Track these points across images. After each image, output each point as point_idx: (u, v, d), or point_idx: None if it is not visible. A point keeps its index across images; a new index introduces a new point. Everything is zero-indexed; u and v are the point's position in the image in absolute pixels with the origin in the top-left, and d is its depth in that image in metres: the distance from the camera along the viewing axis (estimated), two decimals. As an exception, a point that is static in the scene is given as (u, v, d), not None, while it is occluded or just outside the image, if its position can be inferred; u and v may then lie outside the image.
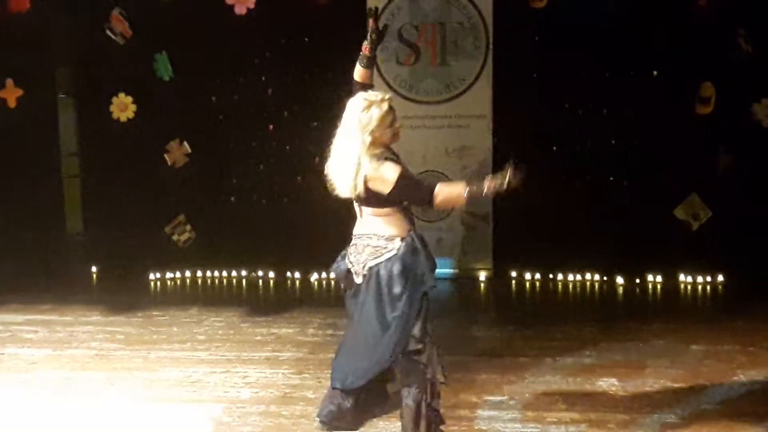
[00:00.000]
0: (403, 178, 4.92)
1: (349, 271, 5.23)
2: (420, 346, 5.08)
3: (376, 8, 5.62)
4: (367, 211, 5.14)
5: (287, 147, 9.76)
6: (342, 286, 5.38)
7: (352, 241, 5.23)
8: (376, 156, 4.97)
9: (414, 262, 5.08)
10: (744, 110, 9.02)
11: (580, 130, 9.31)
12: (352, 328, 5.30)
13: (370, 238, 5.12)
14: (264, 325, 7.94)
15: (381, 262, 5.07)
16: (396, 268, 5.05)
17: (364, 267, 5.12)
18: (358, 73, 5.34)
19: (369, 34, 5.35)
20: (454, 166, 9.34)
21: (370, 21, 5.42)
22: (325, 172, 5.17)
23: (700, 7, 8.93)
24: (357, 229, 5.22)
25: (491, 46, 9.27)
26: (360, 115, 5.00)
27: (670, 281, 9.26)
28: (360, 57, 5.32)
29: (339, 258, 5.36)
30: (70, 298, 8.92)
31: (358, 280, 5.16)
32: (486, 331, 7.69)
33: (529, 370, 6.59)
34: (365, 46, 5.33)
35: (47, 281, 9.45)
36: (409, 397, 5.11)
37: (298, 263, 9.68)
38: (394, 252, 5.07)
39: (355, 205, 5.20)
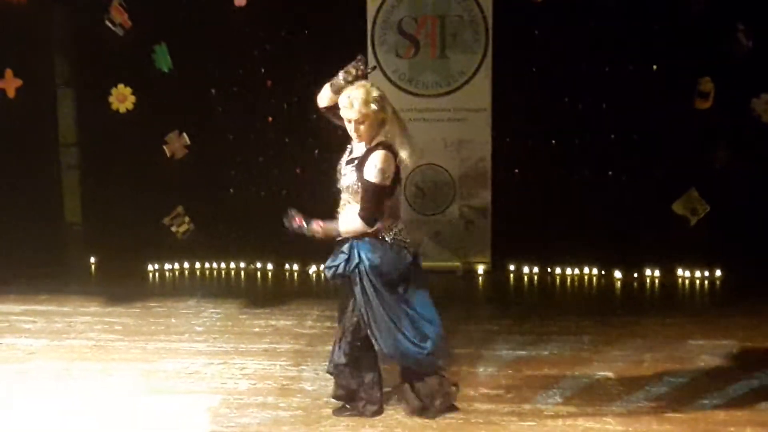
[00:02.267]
0: None
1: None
2: None
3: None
4: None
5: (286, 139, 9.75)
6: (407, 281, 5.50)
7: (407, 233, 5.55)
8: None
9: None
10: (743, 105, 9.01)
11: (579, 125, 9.31)
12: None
13: None
14: (262, 317, 7.94)
15: None
16: None
17: None
18: (328, 98, 5.53)
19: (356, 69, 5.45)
20: (453, 159, 9.34)
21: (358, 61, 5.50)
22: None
23: (699, 2, 8.92)
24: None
25: (491, 40, 9.26)
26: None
27: (668, 276, 9.26)
28: (334, 82, 5.44)
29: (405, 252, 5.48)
30: (68, 289, 8.93)
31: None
32: (483, 324, 7.68)
33: (526, 363, 6.60)
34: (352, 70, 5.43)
35: (45, 272, 9.43)
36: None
37: (296, 255, 9.66)
38: None
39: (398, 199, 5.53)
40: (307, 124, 9.51)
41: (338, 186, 5.54)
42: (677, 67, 9.01)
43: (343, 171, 5.48)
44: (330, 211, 9.16)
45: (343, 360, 5.49)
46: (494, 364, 6.53)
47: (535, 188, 9.36)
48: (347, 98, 5.27)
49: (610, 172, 9.36)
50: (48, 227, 9.99)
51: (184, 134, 9.75)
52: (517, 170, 9.51)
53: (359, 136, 5.36)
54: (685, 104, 9.06)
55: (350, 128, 5.36)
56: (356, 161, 5.37)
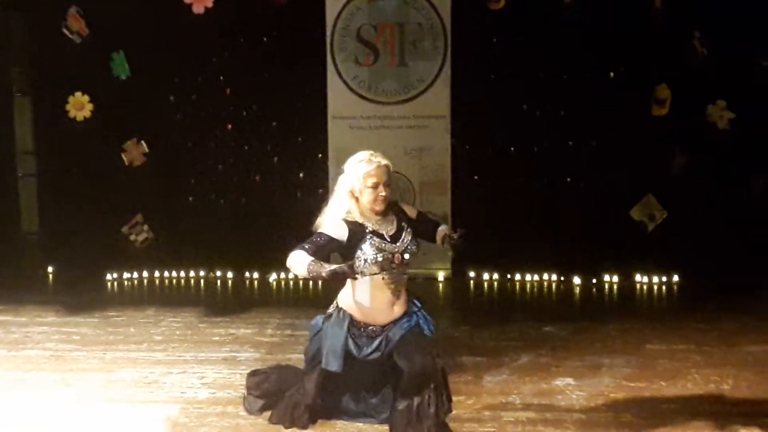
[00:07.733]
0: None
1: None
2: None
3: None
4: None
5: (245, 147, 9.74)
6: None
7: None
8: None
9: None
10: (699, 112, 9.12)
11: (538, 132, 9.39)
12: None
13: None
14: (222, 326, 7.90)
15: None
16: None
17: None
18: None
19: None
20: (412, 166, 9.37)
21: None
22: None
23: (656, 10, 9.02)
24: None
25: (450, 47, 9.30)
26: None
27: (626, 281, 9.34)
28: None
29: None
30: (25, 299, 8.82)
31: None
32: (443, 330, 7.68)
33: (486, 369, 6.61)
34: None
35: (2, 281, 9.33)
36: None
37: (256, 263, 9.65)
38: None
39: None
40: (266, 132, 9.50)
41: (391, 267, 5.15)
42: (634, 74, 9.11)
43: (396, 249, 5.17)
44: (288, 221, 9.15)
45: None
46: (454, 371, 6.53)
47: (495, 195, 9.42)
48: (367, 164, 5.03)
49: (568, 179, 9.45)
50: (4, 236, 9.89)
51: (143, 142, 9.71)
52: (476, 177, 9.56)
53: (386, 199, 5.13)
54: (642, 111, 9.17)
55: (378, 197, 5.07)
56: (402, 226, 5.25)
